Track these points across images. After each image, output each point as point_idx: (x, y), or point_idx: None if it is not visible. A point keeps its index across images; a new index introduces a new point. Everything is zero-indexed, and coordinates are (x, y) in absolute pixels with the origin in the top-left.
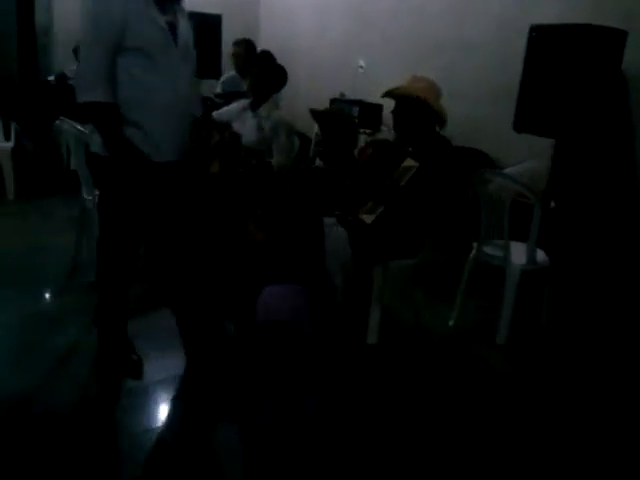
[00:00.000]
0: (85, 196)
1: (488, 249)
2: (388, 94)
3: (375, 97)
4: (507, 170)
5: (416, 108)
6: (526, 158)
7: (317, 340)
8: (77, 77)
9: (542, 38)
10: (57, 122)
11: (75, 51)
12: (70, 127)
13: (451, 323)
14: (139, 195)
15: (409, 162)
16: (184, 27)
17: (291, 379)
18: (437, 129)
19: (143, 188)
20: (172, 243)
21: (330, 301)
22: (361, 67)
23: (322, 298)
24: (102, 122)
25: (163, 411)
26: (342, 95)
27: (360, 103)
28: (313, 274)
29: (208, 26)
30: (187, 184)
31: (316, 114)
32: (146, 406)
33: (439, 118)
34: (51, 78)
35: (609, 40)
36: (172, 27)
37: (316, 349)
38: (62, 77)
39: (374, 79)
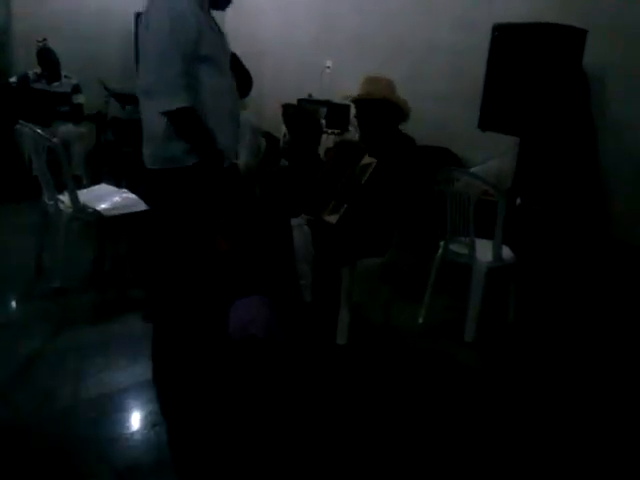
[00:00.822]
0: (46, 201)
1: (454, 247)
2: (355, 101)
3: (342, 97)
4: (474, 169)
5: (381, 108)
6: (492, 156)
7: (287, 347)
8: (157, 86)
9: (505, 37)
10: (17, 126)
11: (40, 54)
12: (30, 131)
13: (420, 321)
14: (214, 200)
15: (367, 159)
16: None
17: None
18: (400, 127)
19: (219, 192)
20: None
21: (298, 306)
22: (328, 67)
23: (290, 304)
24: (193, 126)
25: (133, 418)
26: (309, 96)
27: (328, 103)
28: (281, 280)
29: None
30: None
31: (286, 110)
32: (116, 413)
33: (402, 113)
34: (12, 80)
35: (570, 39)
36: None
37: (287, 358)
38: (24, 79)
39: (341, 79)
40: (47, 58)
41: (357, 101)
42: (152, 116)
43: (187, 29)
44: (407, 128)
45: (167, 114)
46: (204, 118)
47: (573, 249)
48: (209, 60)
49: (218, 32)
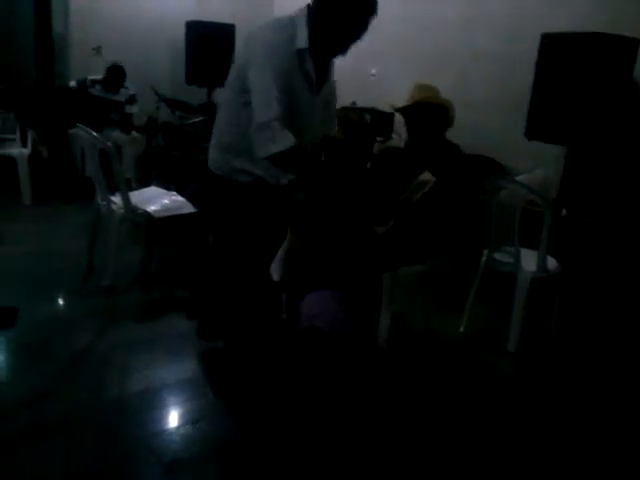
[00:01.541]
0: (99, 202)
1: (498, 256)
2: (404, 109)
3: (386, 105)
4: (518, 178)
5: (436, 113)
6: (536, 166)
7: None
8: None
9: (553, 46)
10: (73, 130)
11: (111, 70)
12: (86, 134)
13: (461, 330)
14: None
15: (426, 176)
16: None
17: (334, 385)
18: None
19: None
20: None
21: (372, 304)
22: (373, 75)
23: (364, 301)
24: (292, 165)
25: (176, 413)
26: (354, 103)
27: (372, 111)
28: (355, 276)
29: (221, 36)
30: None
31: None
32: (160, 408)
33: (449, 119)
34: (72, 84)
35: (621, 48)
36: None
37: (356, 354)
38: (83, 84)
39: (386, 87)
40: (116, 74)
41: (412, 107)
42: (229, 126)
43: (284, 73)
44: (451, 137)
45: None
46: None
47: (619, 261)
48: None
49: (308, 80)
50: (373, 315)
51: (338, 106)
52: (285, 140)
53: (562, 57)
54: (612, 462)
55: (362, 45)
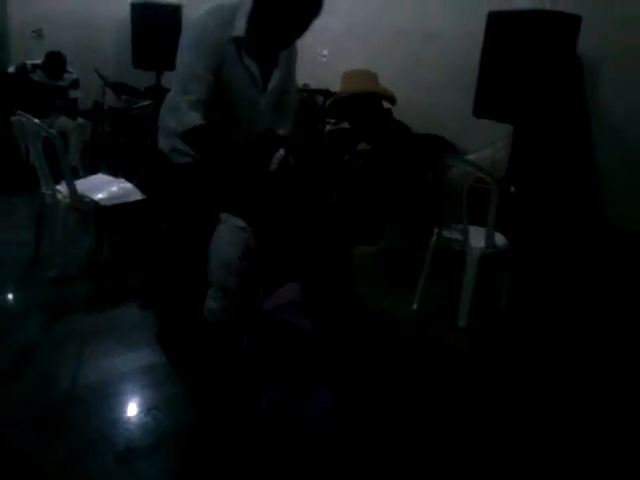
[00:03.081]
0: (44, 191)
1: (448, 234)
2: (336, 102)
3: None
4: (468, 157)
5: (365, 102)
6: (487, 144)
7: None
8: (175, 101)
9: (500, 24)
10: (14, 117)
11: (49, 57)
12: (29, 121)
13: (414, 307)
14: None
15: (363, 145)
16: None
17: (301, 371)
18: (395, 115)
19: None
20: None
21: (330, 292)
22: (324, 56)
23: (322, 291)
24: (200, 146)
25: (130, 402)
26: (305, 85)
27: (324, 92)
28: (314, 268)
29: (169, 17)
30: None
31: None
32: (114, 397)
33: (389, 100)
34: (11, 69)
35: (564, 25)
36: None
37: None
38: (23, 68)
39: (338, 68)
40: (55, 60)
41: (340, 99)
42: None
43: (211, 51)
44: (403, 116)
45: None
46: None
47: (567, 236)
48: (227, 90)
49: (248, 74)
50: (339, 300)
51: None
52: (190, 121)
53: (508, 35)
54: (560, 430)
55: (313, 26)
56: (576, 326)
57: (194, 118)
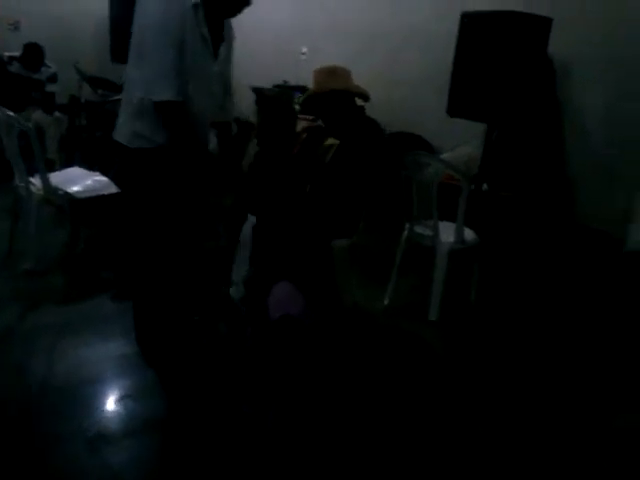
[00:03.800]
0: (18, 183)
1: (419, 229)
2: (308, 99)
3: None
4: (443, 155)
5: (335, 99)
6: (461, 143)
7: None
8: (152, 77)
9: (472, 25)
10: None
11: (27, 49)
12: (2, 114)
13: (386, 302)
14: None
15: (331, 140)
16: (227, 43)
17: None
18: (369, 112)
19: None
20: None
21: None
22: (303, 53)
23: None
24: (175, 121)
25: (102, 390)
26: (285, 82)
27: (303, 89)
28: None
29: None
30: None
31: (258, 94)
32: (86, 386)
33: (362, 97)
34: None
35: (535, 27)
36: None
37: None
38: (0, 60)
39: (317, 65)
40: (34, 52)
41: (313, 96)
42: (131, 90)
43: (175, 25)
44: (381, 114)
45: (156, 104)
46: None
47: (537, 233)
48: (187, 60)
49: (204, 41)
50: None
51: (269, 84)
52: (173, 91)
53: (480, 35)
54: (528, 427)
55: (293, 24)
56: (543, 319)
57: (174, 91)
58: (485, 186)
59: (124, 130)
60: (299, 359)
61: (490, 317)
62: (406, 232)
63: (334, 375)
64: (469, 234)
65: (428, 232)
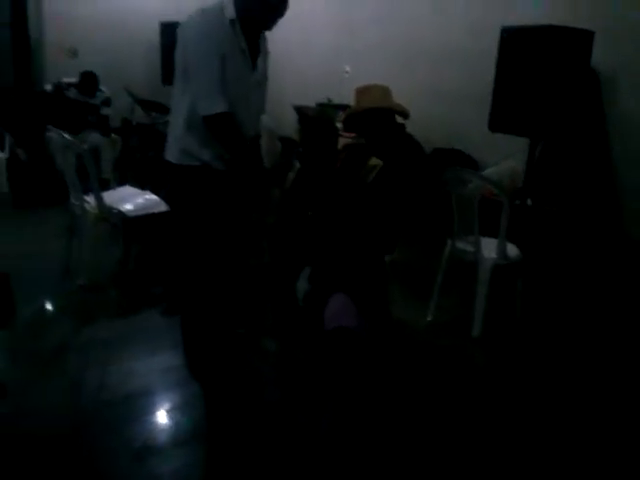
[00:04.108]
0: (73, 202)
1: (461, 245)
2: (349, 117)
3: None
4: (488, 170)
5: (376, 117)
6: (505, 157)
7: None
8: (200, 93)
9: (513, 39)
10: (49, 133)
11: (84, 77)
12: (60, 137)
13: (429, 318)
14: (215, 201)
15: (374, 161)
16: (263, 56)
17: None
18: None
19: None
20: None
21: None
22: (347, 72)
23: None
24: (227, 132)
25: (151, 402)
26: (329, 100)
27: (345, 107)
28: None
29: None
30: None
31: (300, 113)
32: (136, 398)
33: (402, 114)
34: (48, 87)
35: (576, 40)
36: (253, 54)
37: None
38: (59, 87)
39: (360, 83)
40: (89, 79)
41: (352, 115)
42: (179, 110)
43: (219, 41)
44: (424, 130)
45: (206, 118)
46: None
47: (585, 248)
48: (228, 75)
49: (243, 54)
50: (379, 310)
51: (313, 102)
52: (217, 107)
53: (521, 50)
54: (575, 442)
55: (336, 43)
56: (590, 337)
57: (222, 104)
58: (529, 201)
59: (173, 149)
60: (353, 370)
61: (535, 334)
62: (448, 248)
63: (384, 386)
64: (512, 250)
65: (470, 248)
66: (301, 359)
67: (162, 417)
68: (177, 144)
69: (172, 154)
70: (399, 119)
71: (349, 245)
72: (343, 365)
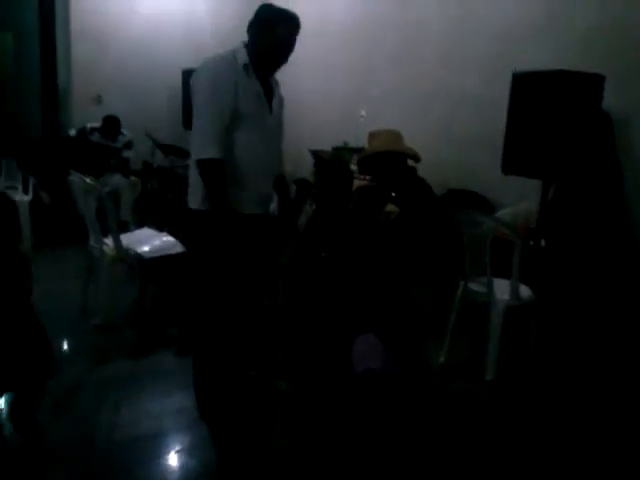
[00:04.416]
0: (92, 244)
1: (474, 286)
2: (362, 160)
3: None
4: (503, 210)
5: (387, 161)
6: (519, 199)
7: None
8: (194, 138)
9: (523, 84)
10: (71, 176)
11: (106, 121)
12: (79, 180)
13: (441, 360)
14: (229, 246)
15: (390, 207)
16: (277, 97)
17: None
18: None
19: (231, 239)
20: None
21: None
22: (362, 116)
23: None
24: (210, 177)
25: (163, 443)
26: (345, 143)
27: (361, 151)
28: (392, 316)
29: None
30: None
31: (316, 157)
32: (148, 439)
33: (413, 158)
34: (72, 132)
35: (587, 84)
36: (268, 96)
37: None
38: (82, 131)
39: (375, 127)
40: (112, 123)
41: (365, 158)
42: (192, 161)
43: (227, 88)
44: (438, 172)
45: (197, 161)
46: (237, 168)
47: (599, 289)
48: (245, 118)
49: (259, 96)
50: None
51: (330, 145)
52: (209, 152)
53: (533, 94)
54: None
55: (353, 88)
56: (606, 380)
57: (213, 150)
58: (543, 242)
59: (196, 194)
60: (382, 412)
61: (550, 377)
62: (460, 289)
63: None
64: (525, 291)
65: (483, 289)
66: (326, 401)
67: (173, 459)
68: (200, 189)
69: (195, 200)
70: (411, 162)
71: (369, 284)
72: (372, 409)
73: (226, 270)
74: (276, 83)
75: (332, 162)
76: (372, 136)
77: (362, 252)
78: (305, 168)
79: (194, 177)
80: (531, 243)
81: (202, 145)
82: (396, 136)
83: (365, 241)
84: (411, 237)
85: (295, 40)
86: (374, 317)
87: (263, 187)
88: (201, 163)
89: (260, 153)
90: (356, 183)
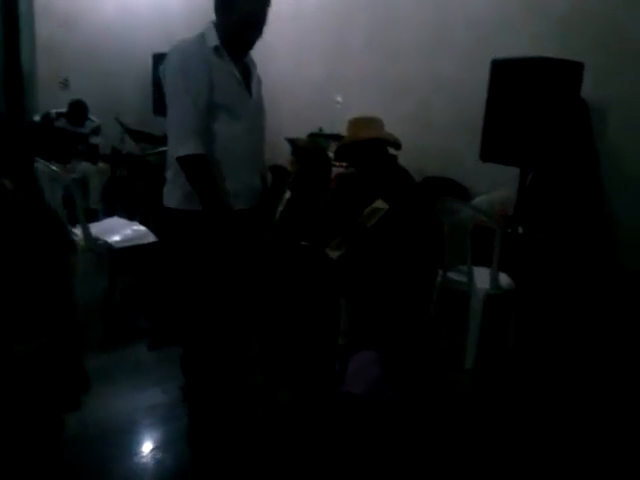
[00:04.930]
0: None
1: (453, 275)
2: (342, 147)
3: None
4: (479, 198)
5: (368, 148)
6: (496, 186)
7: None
8: (170, 131)
9: (502, 71)
10: (38, 164)
11: (72, 106)
12: (45, 167)
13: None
14: (218, 245)
15: (379, 204)
16: (256, 78)
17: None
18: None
19: (222, 238)
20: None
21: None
22: (338, 102)
23: (403, 359)
24: (197, 176)
25: (134, 440)
26: (320, 130)
27: (337, 137)
28: (395, 335)
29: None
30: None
31: (293, 144)
32: (119, 435)
33: (394, 145)
34: (36, 118)
35: (566, 71)
36: (246, 79)
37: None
38: (47, 117)
39: (351, 113)
40: (78, 109)
41: (346, 145)
42: (169, 156)
43: (198, 76)
44: (415, 159)
45: (177, 159)
46: (221, 162)
47: (577, 276)
48: (223, 107)
49: (237, 80)
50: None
51: (305, 132)
52: (193, 145)
53: (511, 81)
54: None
55: (328, 73)
56: (584, 366)
57: (192, 145)
58: (521, 229)
59: (174, 193)
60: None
61: (529, 365)
62: (440, 278)
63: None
64: (504, 279)
65: (462, 278)
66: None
67: (146, 456)
68: (179, 188)
69: (173, 199)
70: (391, 150)
71: (372, 287)
72: (345, 432)
73: (213, 272)
74: (253, 63)
75: (312, 150)
76: (352, 123)
77: (361, 252)
78: (281, 156)
79: (171, 173)
80: (509, 230)
81: (178, 141)
82: (376, 123)
83: (355, 237)
84: (405, 236)
85: (266, 12)
86: (376, 330)
87: (251, 179)
88: (181, 161)
89: (245, 142)
90: (333, 170)
